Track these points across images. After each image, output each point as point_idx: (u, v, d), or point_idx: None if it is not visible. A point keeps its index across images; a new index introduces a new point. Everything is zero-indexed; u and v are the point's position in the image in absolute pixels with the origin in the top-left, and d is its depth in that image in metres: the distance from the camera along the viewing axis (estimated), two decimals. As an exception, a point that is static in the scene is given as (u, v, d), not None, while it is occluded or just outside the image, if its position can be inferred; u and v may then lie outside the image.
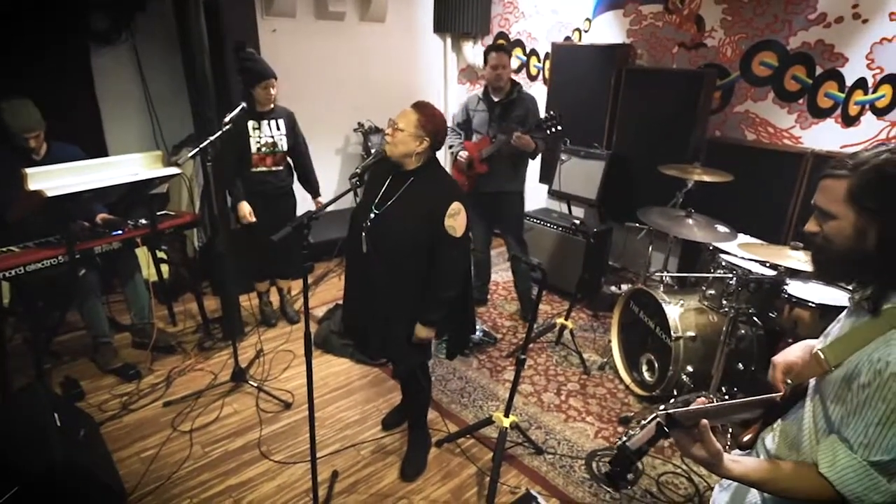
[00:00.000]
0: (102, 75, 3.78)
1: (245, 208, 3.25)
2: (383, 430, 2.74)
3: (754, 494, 1.21)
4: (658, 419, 1.01)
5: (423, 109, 2.09)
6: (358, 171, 1.97)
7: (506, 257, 4.58)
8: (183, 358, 3.28)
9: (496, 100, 3.39)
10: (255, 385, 2.98)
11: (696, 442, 1.03)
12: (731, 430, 2.46)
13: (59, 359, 3.21)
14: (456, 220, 2.09)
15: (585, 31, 4.56)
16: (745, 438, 1.21)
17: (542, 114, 3.35)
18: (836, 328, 1.16)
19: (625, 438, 1.03)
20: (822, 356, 1.07)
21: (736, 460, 1.05)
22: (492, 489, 2.28)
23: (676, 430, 1.01)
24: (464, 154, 3.42)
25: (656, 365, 2.94)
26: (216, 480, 2.40)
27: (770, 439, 1.21)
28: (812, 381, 1.13)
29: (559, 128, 3.18)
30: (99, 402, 2.86)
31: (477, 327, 3.56)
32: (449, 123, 3.51)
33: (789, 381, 1.16)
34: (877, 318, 1.02)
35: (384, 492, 2.37)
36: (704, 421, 1.01)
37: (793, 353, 1.20)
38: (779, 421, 1.21)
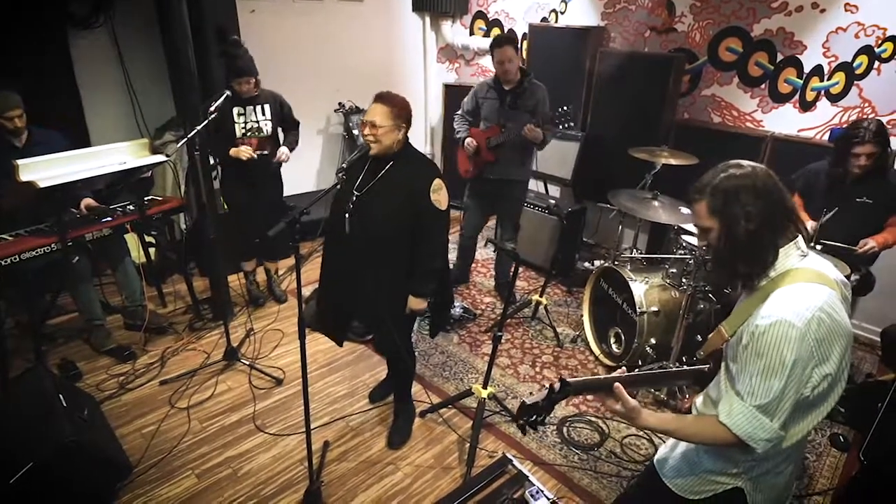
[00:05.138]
0: (81, 60, 3.78)
1: (239, 149, 3.25)
2: (370, 403, 2.93)
3: (681, 444, 1.49)
4: (551, 384, 1.27)
5: (392, 100, 2.20)
6: (344, 166, 2.10)
7: (484, 236, 4.75)
8: (175, 338, 3.41)
9: (507, 88, 3.38)
10: (247, 363, 3.13)
11: (617, 401, 1.31)
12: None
13: (53, 341, 3.32)
14: (440, 194, 2.24)
15: (562, 13, 4.65)
16: (686, 406, 1.45)
17: (548, 105, 3.40)
18: (737, 306, 1.43)
19: (526, 397, 1.30)
20: (723, 329, 1.36)
21: (651, 414, 1.34)
22: (471, 454, 2.50)
23: (566, 392, 1.27)
24: (471, 142, 3.44)
25: (623, 337, 3.17)
26: (215, 453, 2.57)
27: (699, 401, 1.48)
28: (724, 350, 1.40)
29: (572, 124, 3.29)
30: (97, 382, 2.99)
31: (457, 304, 3.75)
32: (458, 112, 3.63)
33: (701, 353, 1.45)
34: (755, 294, 1.30)
35: (373, 459, 2.58)
36: (618, 384, 1.29)
37: (713, 333, 1.43)
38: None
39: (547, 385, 1.26)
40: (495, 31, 5.17)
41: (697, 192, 1.31)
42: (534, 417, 1.27)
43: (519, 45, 3.33)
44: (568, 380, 1.26)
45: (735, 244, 1.27)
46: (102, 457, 2.26)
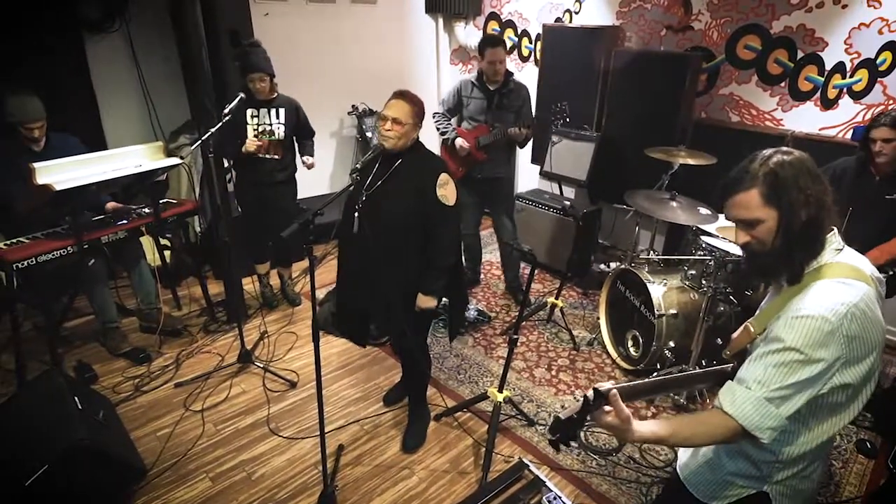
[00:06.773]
0: (98, 64, 3.82)
1: (250, 142, 3.25)
2: (384, 406, 2.90)
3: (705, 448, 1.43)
4: (586, 394, 1.17)
5: (413, 98, 2.22)
6: (358, 166, 2.08)
7: (494, 238, 4.70)
8: (190, 341, 3.41)
9: (492, 88, 3.42)
10: (261, 366, 3.12)
11: (608, 412, 1.15)
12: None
13: (69, 344, 3.34)
14: (446, 189, 2.23)
15: (576, 13, 4.61)
16: (707, 408, 1.40)
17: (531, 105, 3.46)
18: (763, 303, 1.37)
19: (559, 412, 1.20)
20: (751, 326, 1.30)
21: (642, 424, 1.19)
22: (487, 458, 2.46)
23: (601, 402, 1.15)
24: (463, 143, 3.41)
25: (641, 340, 3.11)
26: (229, 456, 2.56)
27: (717, 401, 1.41)
28: (748, 348, 1.34)
29: (567, 120, 3.31)
30: (112, 385, 2.99)
31: (471, 306, 3.71)
32: (438, 109, 3.62)
33: (728, 353, 1.38)
34: (785, 290, 1.24)
35: (387, 463, 2.55)
36: (614, 391, 1.14)
37: (738, 331, 1.39)
38: None
39: (571, 393, 1.20)
40: (509, 32, 5.14)
41: (744, 182, 1.20)
42: (569, 437, 1.20)
43: (507, 47, 3.42)
44: (601, 389, 1.17)
45: (793, 233, 1.18)
46: (117, 459, 2.26)
